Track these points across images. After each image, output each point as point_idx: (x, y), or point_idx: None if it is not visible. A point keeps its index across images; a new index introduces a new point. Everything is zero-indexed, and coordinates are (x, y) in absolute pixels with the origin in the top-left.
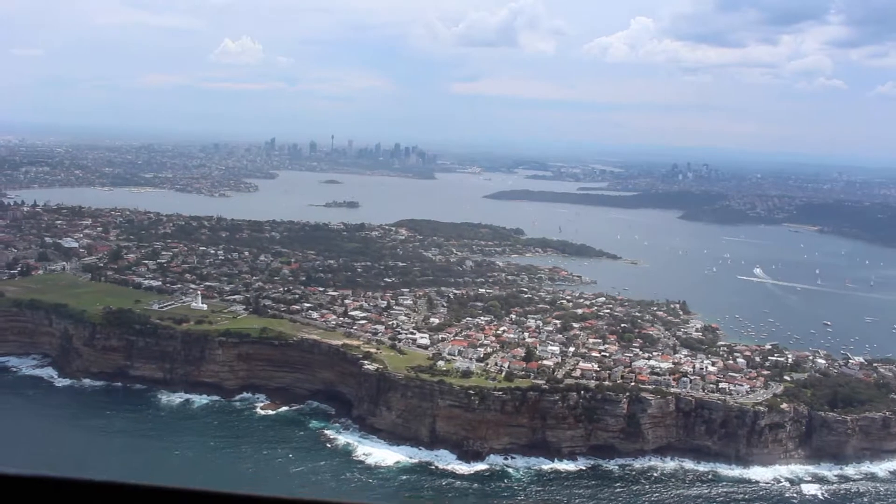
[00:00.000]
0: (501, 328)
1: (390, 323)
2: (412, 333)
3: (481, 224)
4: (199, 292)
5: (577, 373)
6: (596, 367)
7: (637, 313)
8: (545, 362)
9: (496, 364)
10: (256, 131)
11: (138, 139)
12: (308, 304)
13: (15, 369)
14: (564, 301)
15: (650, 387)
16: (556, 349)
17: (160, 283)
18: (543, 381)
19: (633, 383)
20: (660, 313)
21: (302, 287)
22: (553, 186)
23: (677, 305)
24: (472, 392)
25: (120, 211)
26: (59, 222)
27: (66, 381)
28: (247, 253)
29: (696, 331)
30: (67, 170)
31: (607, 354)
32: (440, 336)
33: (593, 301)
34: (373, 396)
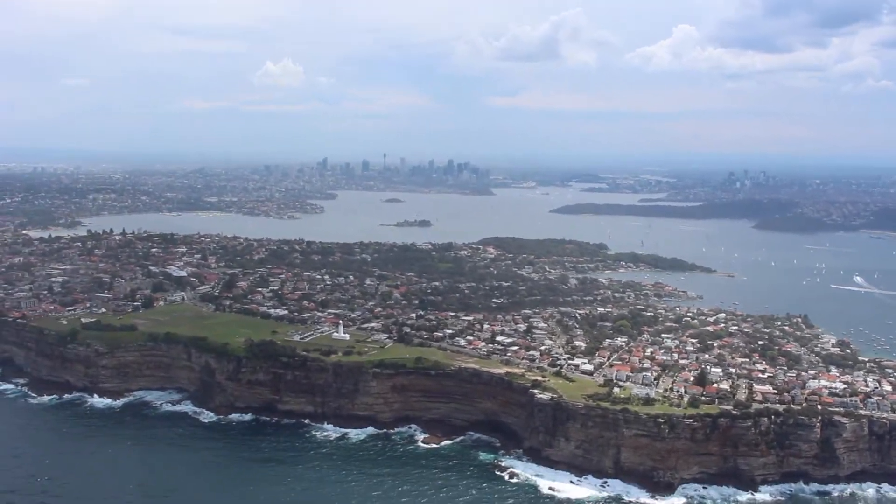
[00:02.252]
0: (648, 349)
1: (541, 348)
2: (571, 359)
3: (564, 240)
4: (339, 322)
5: (758, 396)
6: (771, 389)
7: (765, 329)
8: (721, 385)
9: (668, 388)
10: (300, 151)
11: (187, 163)
12: (449, 331)
13: (155, 405)
14: (689, 318)
15: (839, 409)
16: (718, 371)
17: (286, 311)
18: (731, 407)
19: (818, 406)
20: (786, 328)
21: (421, 311)
22: (614, 199)
23: (799, 319)
24: (661, 420)
25: (209, 237)
26: (153, 250)
27: (212, 417)
28: (351, 277)
29: (833, 346)
30: (133, 196)
31: (771, 375)
32: (596, 360)
33: (716, 317)
34: (548, 427)
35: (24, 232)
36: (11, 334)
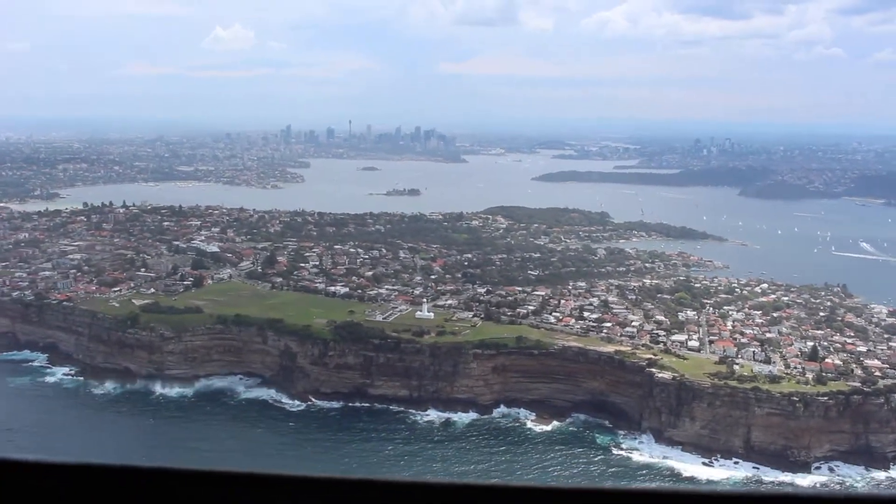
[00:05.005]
0: (727, 322)
1: (633, 323)
2: (668, 335)
3: (568, 209)
4: (424, 301)
5: (876, 372)
6: (879, 363)
7: (814, 300)
8: (835, 361)
9: (786, 364)
10: (254, 118)
11: (138, 131)
12: (531, 307)
13: (231, 392)
14: (738, 290)
15: None
16: (812, 344)
17: (346, 288)
18: (859, 383)
19: None
20: (834, 299)
21: (470, 284)
22: (587, 166)
23: (839, 289)
24: (795, 398)
25: (216, 209)
26: (165, 223)
27: (298, 404)
28: (384, 250)
29: (888, 316)
30: (105, 166)
31: (862, 350)
32: (682, 336)
33: (762, 288)
34: (671, 407)
35: (1, 204)
36: (56, 318)
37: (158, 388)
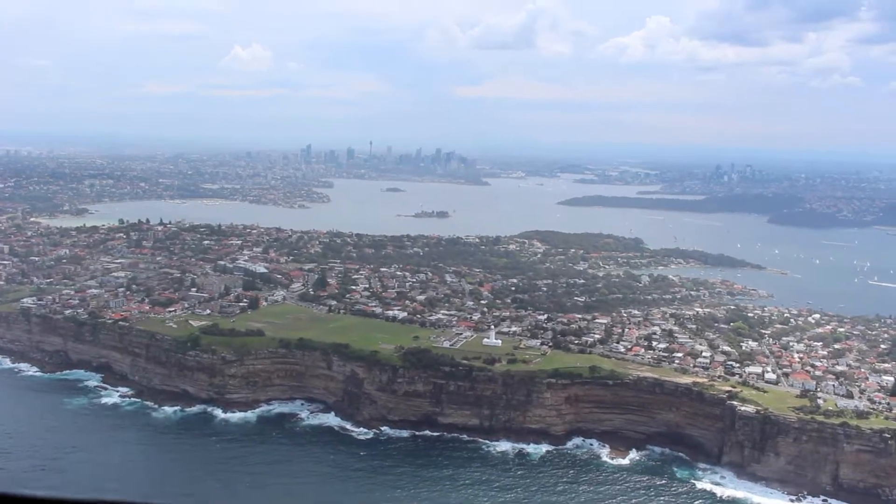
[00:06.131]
0: (795, 355)
1: (705, 354)
2: (741, 366)
3: (602, 234)
4: (492, 327)
5: None
6: None
7: (870, 332)
8: None
9: (869, 399)
10: (269, 137)
11: (155, 147)
12: (596, 335)
13: (295, 418)
14: (792, 320)
15: None
16: (889, 379)
17: (405, 313)
18: None
19: None
20: (889, 330)
21: (521, 310)
22: (610, 190)
23: (891, 320)
24: (887, 435)
25: (254, 228)
26: (205, 242)
27: (366, 432)
28: (430, 273)
29: None
30: (131, 182)
31: None
32: (757, 368)
33: (815, 319)
34: (754, 441)
35: (32, 219)
36: (112, 338)
37: (219, 413)
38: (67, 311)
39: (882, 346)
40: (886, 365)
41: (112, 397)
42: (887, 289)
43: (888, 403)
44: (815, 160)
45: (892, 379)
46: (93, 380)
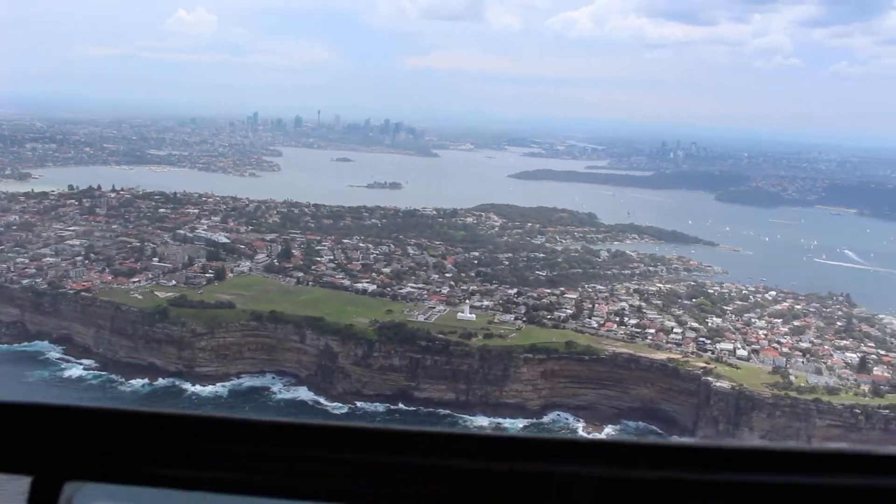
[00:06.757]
0: (761, 331)
1: (676, 330)
2: (713, 342)
3: (556, 208)
4: (466, 302)
5: None
6: None
7: (824, 309)
8: (884, 373)
9: (837, 375)
10: (213, 102)
11: (91, 112)
12: (568, 311)
13: (266, 392)
14: (751, 297)
15: None
16: (853, 356)
17: (374, 286)
18: None
19: None
20: (844, 308)
21: (486, 283)
22: (560, 165)
23: (843, 298)
24: (857, 411)
25: (209, 196)
26: (161, 210)
27: (341, 406)
28: (393, 246)
29: None
30: (75, 147)
31: None
32: (728, 344)
33: (772, 296)
34: (729, 416)
35: None
36: (73, 309)
37: (188, 387)
38: (25, 281)
39: (838, 322)
40: (846, 342)
41: (76, 370)
42: (835, 267)
43: (856, 380)
44: (757, 139)
45: (854, 356)
46: (54, 352)
